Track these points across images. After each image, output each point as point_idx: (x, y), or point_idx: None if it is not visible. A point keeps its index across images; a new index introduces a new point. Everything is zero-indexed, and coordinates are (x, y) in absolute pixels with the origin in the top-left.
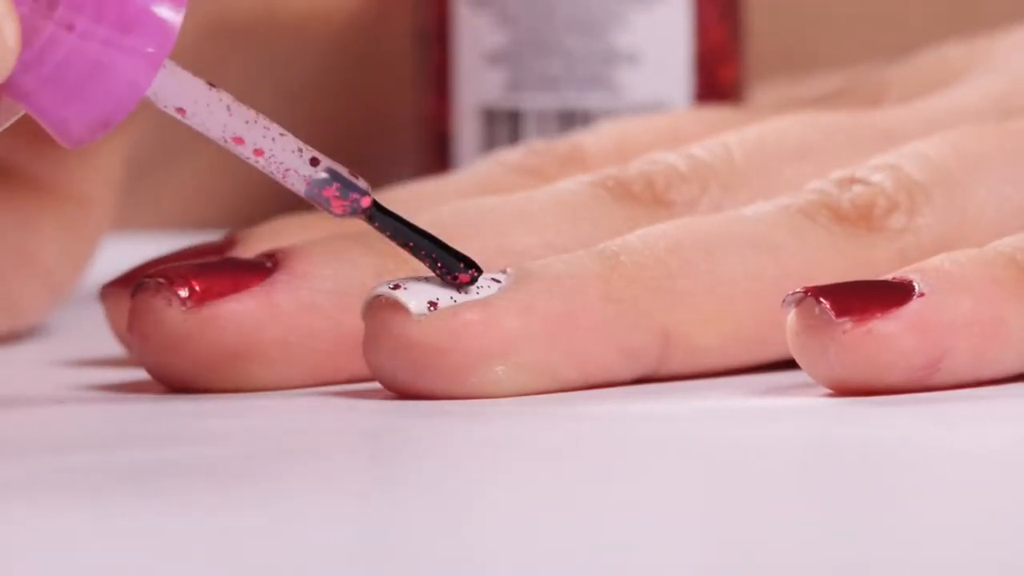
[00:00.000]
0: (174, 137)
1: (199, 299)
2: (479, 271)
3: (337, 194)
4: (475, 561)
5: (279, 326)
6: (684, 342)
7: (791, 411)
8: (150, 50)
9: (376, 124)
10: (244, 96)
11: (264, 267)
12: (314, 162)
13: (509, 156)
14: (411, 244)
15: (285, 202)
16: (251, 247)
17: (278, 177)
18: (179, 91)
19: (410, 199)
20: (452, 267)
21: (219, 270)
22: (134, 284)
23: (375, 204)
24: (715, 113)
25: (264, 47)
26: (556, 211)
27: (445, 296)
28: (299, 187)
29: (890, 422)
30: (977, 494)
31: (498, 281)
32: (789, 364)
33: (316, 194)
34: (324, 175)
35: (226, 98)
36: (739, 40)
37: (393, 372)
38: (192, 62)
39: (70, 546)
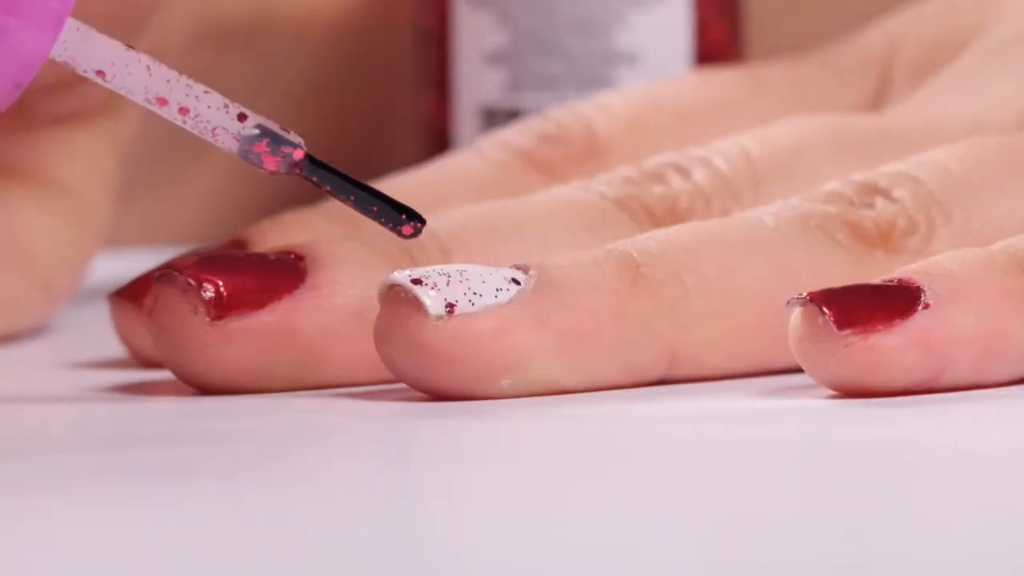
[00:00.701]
0: (177, 150)
1: (224, 308)
2: (422, 222)
3: (268, 149)
4: (476, 561)
5: (297, 350)
6: (691, 362)
7: (794, 412)
8: (53, 4)
9: (376, 124)
10: (240, 97)
11: (294, 271)
12: (242, 118)
13: (519, 141)
14: (352, 198)
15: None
16: (263, 246)
17: (208, 137)
18: (96, 54)
19: (424, 189)
20: (395, 220)
21: (248, 269)
22: (156, 276)
23: (309, 158)
24: (722, 86)
25: (261, 48)
26: (578, 228)
27: (464, 299)
28: (230, 145)
29: (892, 423)
30: (978, 495)
31: (517, 283)
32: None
33: (247, 151)
34: (254, 131)
35: (145, 58)
36: (739, 40)
37: (402, 367)
38: (185, 65)
39: (71, 546)
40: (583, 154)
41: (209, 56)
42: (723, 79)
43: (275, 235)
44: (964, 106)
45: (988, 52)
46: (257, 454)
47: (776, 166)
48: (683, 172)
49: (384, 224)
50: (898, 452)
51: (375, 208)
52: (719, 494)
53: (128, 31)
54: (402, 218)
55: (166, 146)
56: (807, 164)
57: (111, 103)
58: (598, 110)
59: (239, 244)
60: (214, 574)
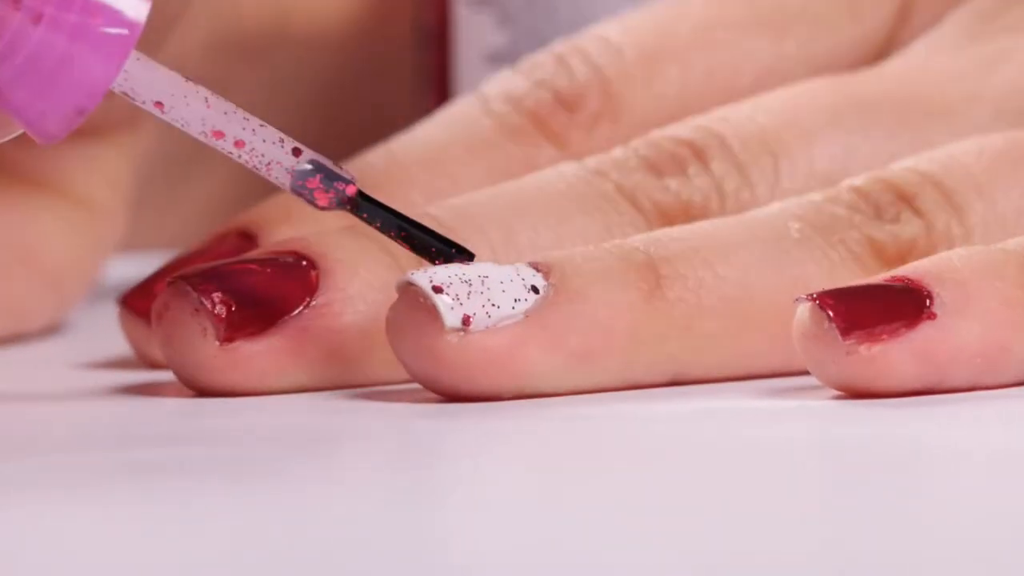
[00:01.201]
0: (183, 155)
1: (234, 330)
2: (471, 257)
3: (320, 185)
4: (481, 560)
5: (305, 370)
6: (694, 379)
7: (795, 412)
8: (119, 32)
9: (377, 124)
10: (249, 106)
11: (305, 284)
12: (296, 152)
13: (528, 98)
14: (403, 233)
15: None
16: (271, 238)
17: (261, 171)
18: (155, 85)
19: (426, 152)
20: (446, 256)
21: (259, 286)
22: (167, 282)
23: (360, 194)
24: (734, 17)
25: (273, 59)
26: (589, 222)
27: (482, 311)
28: (283, 180)
29: (893, 423)
30: (978, 495)
31: (536, 291)
32: None
33: (300, 186)
34: (307, 166)
35: (203, 91)
36: None
37: (413, 368)
38: (199, 77)
39: (76, 546)
40: (597, 114)
41: (222, 68)
42: (735, 9)
43: (280, 223)
44: (981, 80)
45: None
46: (264, 454)
47: (791, 141)
48: (699, 154)
49: (433, 260)
50: (898, 452)
51: (425, 246)
52: (719, 494)
53: (151, 44)
54: (452, 253)
55: (169, 151)
56: (823, 139)
57: (133, 118)
58: (609, 56)
59: (245, 235)
60: (219, 574)
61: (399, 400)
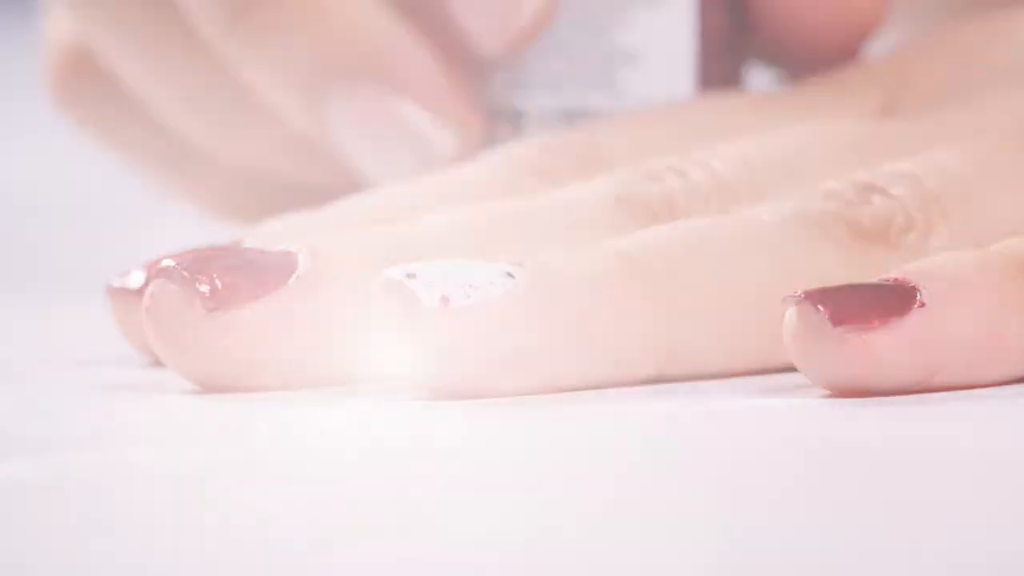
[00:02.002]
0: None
1: (219, 300)
2: None
3: None
4: (470, 561)
5: (295, 341)
6: (686, 359)
7: (791, 411)
8: None
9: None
10: None
11: (289, 263)
12: None
13: (524, 154)
14: None
15: None
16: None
17: None
18: None
19: (424, 195)
20: None
21: (244, 262)
22: (153, 271)
23: None
24: (724, 102)
25: None
26: (578, 226)
27: (459, 291)
28: None
29: (890, 422)
30: (978, 494)
31: (512, 276)
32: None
33: None
34: None
35: None
36: (742, 38)
37: (399, 362)
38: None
39: (76, 547)
40: (584, 159)
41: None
42: (726, 98)
43: (274, 237)
44: (964, 114)
45: (990, 74)
46: (260, 452)
47: (774, 166)
48: (681, 173)
49: None
50: (897, 452)
51: None
52: (716, 495)
53: None
54: None
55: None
56: (806, 164)
57: None
58: (600, 123)
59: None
60: (215, 573)
61: (397, 398)
